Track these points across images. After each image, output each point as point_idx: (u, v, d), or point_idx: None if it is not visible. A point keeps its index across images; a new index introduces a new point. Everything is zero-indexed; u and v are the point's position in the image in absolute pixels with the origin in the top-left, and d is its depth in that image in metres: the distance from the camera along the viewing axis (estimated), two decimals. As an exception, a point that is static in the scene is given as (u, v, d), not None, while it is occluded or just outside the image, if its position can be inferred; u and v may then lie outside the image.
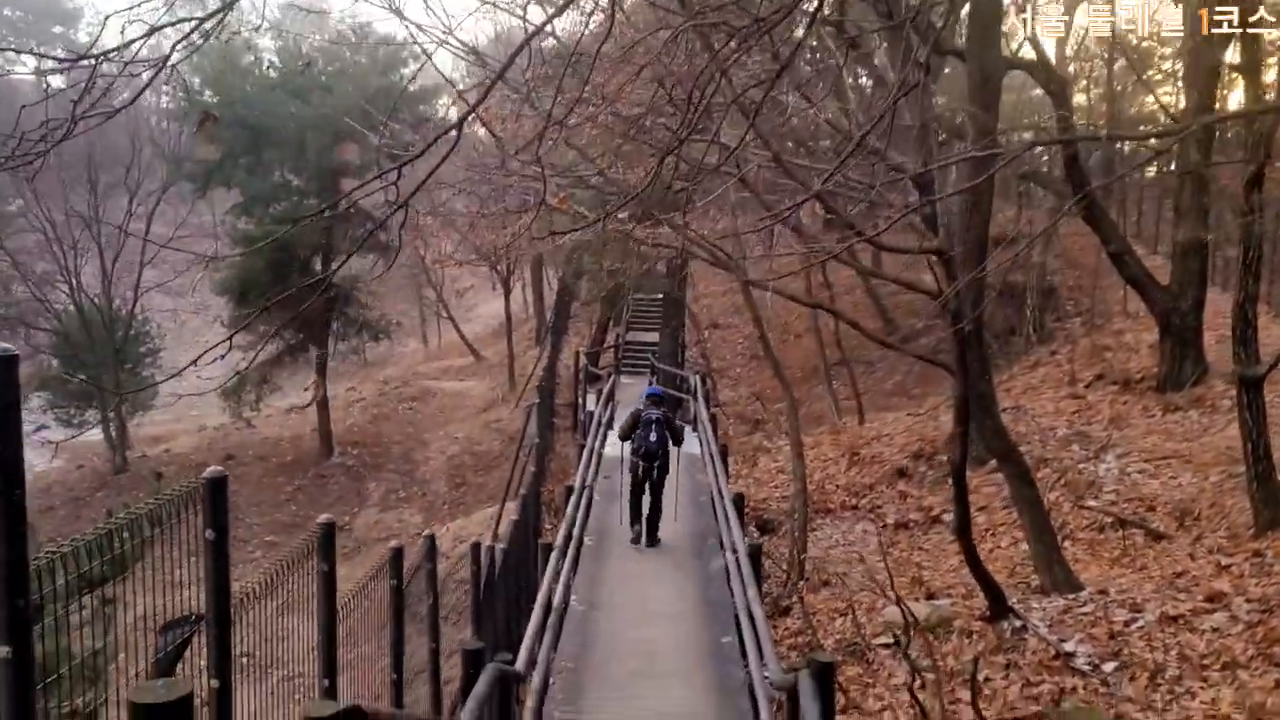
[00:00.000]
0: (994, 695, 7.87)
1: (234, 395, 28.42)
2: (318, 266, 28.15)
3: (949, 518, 14.30)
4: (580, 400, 21.89)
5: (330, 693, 4.85)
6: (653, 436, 10.98)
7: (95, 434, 32.38)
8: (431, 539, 7.25)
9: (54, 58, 3.92)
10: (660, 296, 26.73)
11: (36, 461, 35.47)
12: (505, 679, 5.78)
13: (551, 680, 7.88)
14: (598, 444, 14.84)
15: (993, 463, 14.70)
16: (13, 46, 70.40)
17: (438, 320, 49.47)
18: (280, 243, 24.83)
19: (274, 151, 25.00)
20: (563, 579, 9.10)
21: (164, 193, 27.55)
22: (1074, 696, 7.55)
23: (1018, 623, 8.74)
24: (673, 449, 11.21)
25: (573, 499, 10.85)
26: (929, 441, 15.50)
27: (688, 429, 15.55)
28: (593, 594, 9.76)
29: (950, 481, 14.93)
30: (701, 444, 16.27)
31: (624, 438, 11.57)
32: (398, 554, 6.09)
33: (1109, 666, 7.84)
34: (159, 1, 3.87)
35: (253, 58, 26.48)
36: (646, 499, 11.14)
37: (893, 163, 8.13)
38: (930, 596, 10.19)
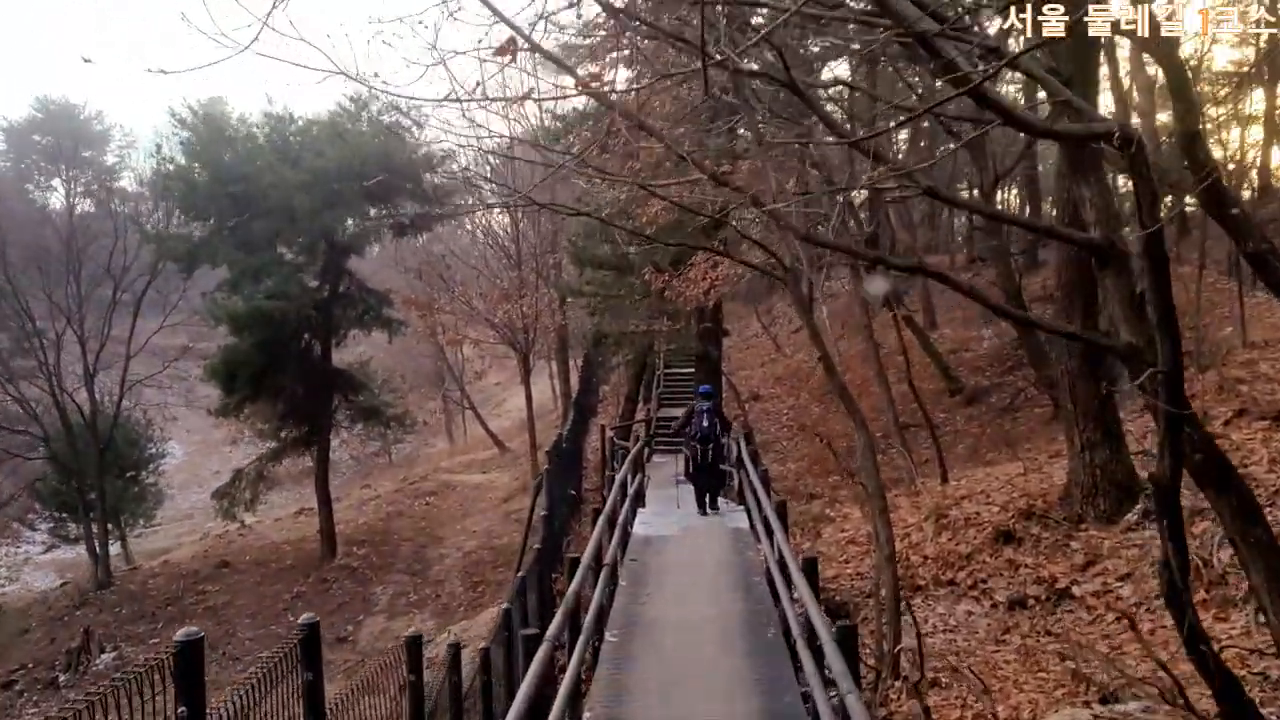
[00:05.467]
0: None
1: (226, 496, 25.70)
2: (317, 350, 25.65)
3: (1080, 590, 11.09)
4: (607, 480, 19.03)
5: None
6: (705, 422, 13.39)
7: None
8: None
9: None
10: (691, 370, 24.11)
11: (36, 582, 32.86)
12: None
13: None
14: (625, 514, 11.89)
15: (1130, 517, 11.56)
16: (42, 171, 71.13)
17: (464, 417, 47.40)
18: (270, 321, 22.42)
19: (263, 222, 22.74)
20: (563, 692, 6.09)
21: (154, 276, 25.36)
22: None
23: (1270, 735, 5.59)
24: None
25: (579, 572, 7.84)
26: (1038, 497, 12.32)
27: (728, 502, 14.21)
28: (614, 710, 6.95)
29: (1072, 544, 11.80)
30: (750, 513, 13.34)
31: (680, 428, 14.08)
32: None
33: None
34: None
35: (239, 124, 24.52)
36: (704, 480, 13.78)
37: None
38: (1109, 699, 6.98)
